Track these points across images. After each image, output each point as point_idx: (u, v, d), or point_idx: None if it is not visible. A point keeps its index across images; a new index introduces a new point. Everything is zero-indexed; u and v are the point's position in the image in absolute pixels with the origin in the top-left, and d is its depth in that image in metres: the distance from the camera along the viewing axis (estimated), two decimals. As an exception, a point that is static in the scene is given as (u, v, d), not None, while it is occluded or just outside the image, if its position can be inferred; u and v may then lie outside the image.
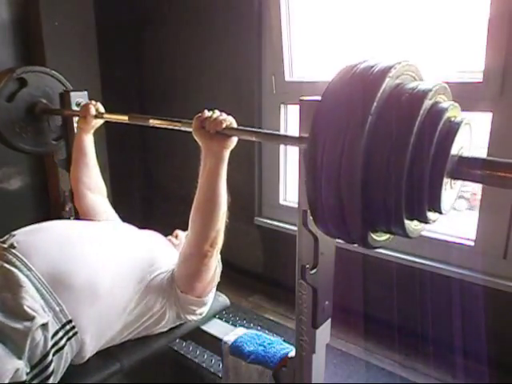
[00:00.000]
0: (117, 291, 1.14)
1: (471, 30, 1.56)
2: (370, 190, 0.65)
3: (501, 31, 1.41)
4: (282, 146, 2.12)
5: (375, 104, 0.64)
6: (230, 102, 2.22)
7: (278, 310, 2.01)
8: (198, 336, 1.42)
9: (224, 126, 1.08)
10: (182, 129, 1.24)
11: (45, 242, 1.15)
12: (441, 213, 0.69)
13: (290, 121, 2.08)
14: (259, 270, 2.31)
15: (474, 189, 2.61)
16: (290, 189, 2.18)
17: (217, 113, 1.11)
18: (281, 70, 2.01)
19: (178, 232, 1.51)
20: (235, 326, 1.56)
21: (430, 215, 0.69)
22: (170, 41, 2.44)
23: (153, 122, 1.34)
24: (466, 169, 0.67)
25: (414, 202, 0.65)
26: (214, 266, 1.24)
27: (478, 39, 1.46)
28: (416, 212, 0.67)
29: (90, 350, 1.11)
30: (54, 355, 1.01)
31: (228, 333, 1.34)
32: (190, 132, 1.15)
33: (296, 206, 0.94)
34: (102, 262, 1.16)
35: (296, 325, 1.03)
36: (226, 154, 1.13)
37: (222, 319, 1.51)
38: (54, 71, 1.78)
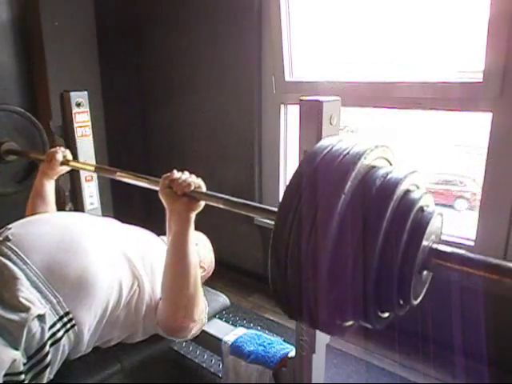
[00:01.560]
0: (113, 284, 1.13)
1: (471, 30, 1.56)
2: (337, 278, 0.62)
3: (501, 31, 1.40)
4: (282, 146, 2.12)
5: (345, 191, 0.62)
6: (230, 101, 2.22)
7: (278, 310, 2.01)
8: (198, 336, 1.41)
9: (192, 187, 1.06)
10: (148, 186, 1.20)
11: (40, 234, 1.14)
12: (410, 305, 0.68)
13: (290, 121, 2.08)
14: (259, 270, 2.31)
15: (474, 189, 2.62)
16: (290, 189, 2.17)
17: (186, 174, 1.10)
18: (281, 70, 2.01)
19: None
20: (235, 326, 1.56)
21: (398, 308, 0.67)
22: (170, 41, 2.44)
23: (119, 175, 1.30)
24: (436, 260, 0.66)
25: (382, 294, 0.63)
26: (196, 330, 1.20)
27: (477, 39, 1.46)
28: (384, 305, 0.65)
29: (86, 344, 1.10)
30: (50, 347, 1.01)
31: (228, 333, 1.34)
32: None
33: (296, 206, 0.94)
34: (98, 254, 1.15)
35: (296, 325, 1.03)
36: (192, 217, 1.09)
37: (222, 319, 1.50)
38: (18, 108, 1.72)
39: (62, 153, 1.51)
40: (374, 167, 0.67)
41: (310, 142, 0.87)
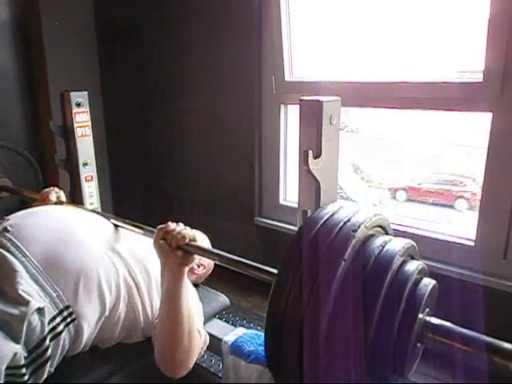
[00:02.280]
0: (110, 280, 1.12)
1: (471, 30, 1.56)
2: (333, 352, 0.62)
3: (501, 31, 1.40)
4: (282, 147, 2.12)
5: (345, 257, 0.62)
6: (230, 101, 2.22)
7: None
8: (198, 336, 1.42)
9: (187, 241, 1.05)
10: (143, 235, 1.20)
11: (39, 226, 1.13)
12: (404, 377, 0.68)
13: (290, 121, 2.08)
14: (259, 270, 2.31)
15: (474, 189, 2.62)
16: (289, 189, 2.18)
17: (181, 226, 1.09)
18: (281, 70, 2.01)
19: None
20: (235, 326, 1.56)
21: (393, 379, 0.68)
22: (170, 41, 2.44)
23: (113, 222, 1.30)
24: (430, 334, 0.67)
25: (379, 370, 0.64)
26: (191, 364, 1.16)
27: (478, 39, 1.46)
28: (377, 377, 0.66)
29: (86, 338, 1.09)
30: (51, 341, 1.01)
31: (228, 333, 1.34)
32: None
33: (296, 206, 0.94)
34: (98, 248, 1.15)
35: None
36: (184, 272, 1.08)
37: (222, 319, 1.51)
38: (9, 143, 1.70)
39: (55, 193, 1.50)
40: (372, 235, 0.68)
41: (310, 142, 0.87)
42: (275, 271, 0.75)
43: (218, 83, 2.26)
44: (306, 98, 0.89)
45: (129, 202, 2.69)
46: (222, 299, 1.50)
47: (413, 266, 0.67)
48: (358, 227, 0.66)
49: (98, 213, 1.41)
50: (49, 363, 1.01)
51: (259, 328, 1.84)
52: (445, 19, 1.62)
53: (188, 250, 1.04)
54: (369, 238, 0.67)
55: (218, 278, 1.65)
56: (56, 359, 1.04)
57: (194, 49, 2.32)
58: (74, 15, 2.31)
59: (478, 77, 1.48)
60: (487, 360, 0.62)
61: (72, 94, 1.70)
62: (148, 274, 1.22)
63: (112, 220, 1.30)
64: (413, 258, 0.72)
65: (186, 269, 1.08)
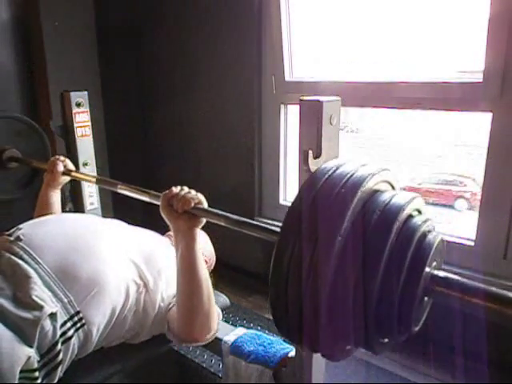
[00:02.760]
0: (120, 285, 1.14)
1: (471, 30, 1.56)
2: (340, 308, 0.62)
3: (501, 31, 1.40)
4: (282, 147, 2.12)
5: (347, 218, 0.62)
6: (230, 101, 2.22)
7: (278, 310, 2.01)
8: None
9: (192, 205, 1.05)
10: (149, 201, 1.20)
11: (51, 234, 1.15)
12: (410, 333, 0.68)
13: (290, 121, 2.08)
14: (259, 270, 2.31)
15: (474, 189, 2.62)
16: (289, 189, 2.18)
17: (185, 190, 1.09)
18: (281, 70, 2.01)
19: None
20: (235, 326, 1.56)
21: (398, 336, 0.67)
22: (170, 41, 2.44)
23: (121, 188, 1.31)
24: (437, 288, 0.66)
25: (384, 323, 0.63)
26: (210, 338, 1.20)
27: (478, 39, 1.46)
28: (385, 331, 0.65)
29: (95, 343, 1.11)
30: (62, 345, 1.02)
31: (228, 333, 1.34)
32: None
33: (296, 206, 0.94)
34: (108, 255, 1.16)
35: (296, 325, 1.03)
36: (196, 233, 1.09)
37: (222, 319, 1.50)
38: (16, 114, 1.71)
39: (62, 163, 1.51)
40: (376, 191, 0.67)
41: (310, 142, 0.87)
42: (279, 230, 0.74)
43: (218, 83, 2.26)
44: (305, 97, 0.89)
45: (129, 202, 2.69)
46: (222, 299, 1.49)
47: (420, 219, 0.66)
48: (361, 184, 0.64)
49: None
50: (60, 367, 1.02)
51: (259, 328, 1.84)
52: (445, 19, 1.62)
53: (194, 214, 1.04)
54: (374, 194, 0.66)
55: (218, 278, 1.65)
56: (66, 363, 1.06)
57: (194, 49, 2.32)
58: (74, 15, 2.31)
59: (478, 77, 1.48)
60: (498, 311, 0.62)
61: (72, 94, 1.71)
62: (156, 268, 1.23)
63: (119, 186, 1.30)
64: (420, 213, 0.70)
65: (197, 230, 1.08)
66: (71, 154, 1.75)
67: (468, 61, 1.63)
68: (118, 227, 1.38)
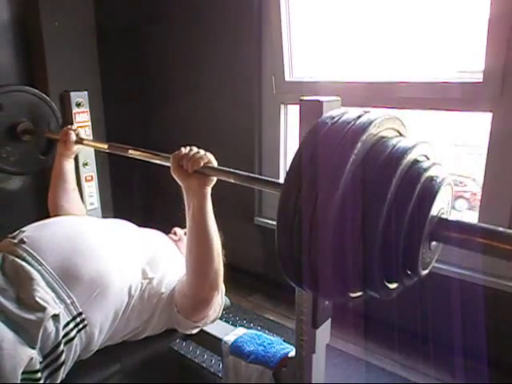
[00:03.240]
0: (124, 286, 1.15)
1: (471, 30, 1.56)
2: (343, 248, 0.61)
3: (501, 31, 1.40)
4: (281, 146, 2.12)
5: (352, 160, 0.61)
6: (230, 101, 2.22)
7: (278, 310, 2.01)
8: (198, 336, 1.42)
9: (202, 164, 1.05)
10: (160, 163, 1.21)
11: (54, 236, 1.16)
12: (418, 276, 0.66)
13: (290, 121, 2.08)
14: (259, 270, 2.31)
15: (474, 189, 2.62)
16: (290, 189, 2.17)
17: (194, 150, 1.09)
18: (281, 70, 2.01)
19: (176, 229, 1.50)
20: (235, 325, 1.56)
21: (406, 279, 0.66)
22: (170, 41, 2.44)
23: (132, 153, 1.32)
24: (445, 232, 0.64)
25: (389, 265, 0.62)
26: (217, 304, 1.23)
27: (478, 39, 1.46)
28: (390, 275, 0.64)
29: (96, 344, 1.12)
30: (64, 346, 1.03)
31: (228, 333, 1.34)
32: (167, 166, 1.11)
33: (296, 206, 0.94)
34: (111, 256, 1.17)
35: (296, 325, 1.03)
36: (208, 192, 1.10)
37: (221, 319, 1.50)
38: (28, 87, 1.72)
39: (74, 132, 1.53)
40: (383, 138, 0.66)
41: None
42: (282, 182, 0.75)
43: (218, 83, 2.27)
44: (305, 97, 0.89)
45: (129, 202, 2.69)
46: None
47: (427, 164, 0.64)
48: (367, 127, 0.63)
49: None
50: (63, 368, 1.03)
51: (259, 328, 1.84)
52: (445, 19, 1.62)
53: (204, 173, 1.05)
54: (379, 140, 0.65)
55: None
56: (68, 364, 1.06)
57: (194, 49, 2.32)
58: (74, 15, 2.31)
59: (478, 77, 1.48)
60: (507, 253, 0.59)
61: (72, 94, 1.71)
62: (160, 268, 1.24)
63: (130, 151, 1.31)
64: (428, 159, 0.69)
65: (209, 189, 1.09)
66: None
67: (468, 61, 1.63)
68: (122, 227, 1.39)
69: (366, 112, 0.67)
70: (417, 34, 1.71)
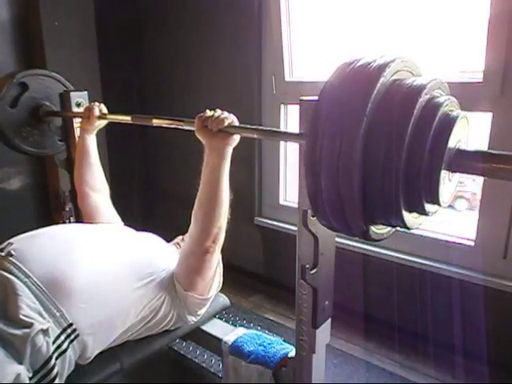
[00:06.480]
0: (117, 293, 1.14)
1: (471, 30, 1.56)
2: (369, 183, 0.66)
3: (501, 31, 1.41)
4: (282, 146, 2.12)
5: (372, 100, 0.65)
6: (230, 101, 2.22)
7: (278, 310, 2.01)
8: (198, 336, 1.42)
9: (226, 123, 1.09)
10: (185, 127, 1.25)
11: (42, 247, 1.15)
12: (439, 205, 0.69)
13: (290, 121, 2.08)
14: (259, 270, 2.31)
15: (474, 189, 2.62)
16: (289, 189, 2.18)
17: (218, 111, 1.13)
18: (281, 70, 2.01)
19: (185, 237, 1.50)
20: (235, 325, 1.56)
21: (429, 207, 0.69)
22: (170, 41, 2.44)
23: (156, 122, 1.35)
24: (464, 161, 0.68)
25: (412, 194, 0.65)
26: (216, 263, 1.26)
27: (478, 39, 1.46)
28: (414, 204, 0.67)
29: (94, 351, 1.11)
30: (56, 359, 1.01)
31: (228, 333, 1.34)
32: (193, 131, 1.16)
33: (296, 205, 0.94)
34: (101, 265, 1.16)
35: (296, 325, 1.03)
36: (229, 151, 1.15)
37: (222, 319, 1.50)
38: (53, 73, 1.77)
39: (97, 107, 1.55)
40: (397, 80, 0.69)
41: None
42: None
43: (218, 83, 2.27)
44: (305, 97, 0.89)
45: (129, 202, 2.69)
46: (222, 299, 1.49)
47: (444, 98, 0.68)
48: (384, 69, 0.67)
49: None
50: (57, 380, 1.01)
51: (259, 328, 1.84)
52: (445, 19, 1.62)
53: (229, 132, 1.11)
54: (392, 84, 0.69)
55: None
56: (64, 376, 1.05)
57: (194, 49, 2.33)
58: (74, 15, 2.31)
59: (478, 77, 1.48)
60: None
61: (72, 94, 1.70)
62: (156, 274, 1.22)
63: (154, 120, 1.35)
64: (443, 93, 0.73)
65: (230, 149, 1.15)
66: (71, 154, 1.75)
67: (468, 61, 1.63)
68: (117, 233, 1.37)
69: (381, 56, 0.71)
70: (417, 33, 1.71)
